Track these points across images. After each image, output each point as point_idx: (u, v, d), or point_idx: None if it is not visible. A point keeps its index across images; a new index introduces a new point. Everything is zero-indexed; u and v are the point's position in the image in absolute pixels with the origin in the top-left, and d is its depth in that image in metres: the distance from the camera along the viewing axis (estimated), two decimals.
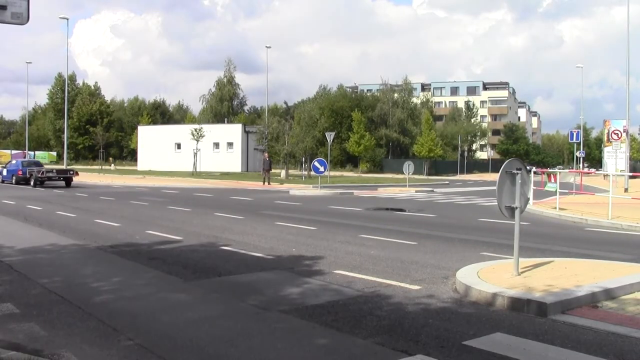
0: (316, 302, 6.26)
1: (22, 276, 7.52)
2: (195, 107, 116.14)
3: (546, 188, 19.47)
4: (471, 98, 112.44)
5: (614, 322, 5.45)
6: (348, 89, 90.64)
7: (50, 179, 30.15)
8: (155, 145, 64.97)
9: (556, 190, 17.69)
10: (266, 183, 33.79)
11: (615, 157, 30.99)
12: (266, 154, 38.68)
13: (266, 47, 58.37)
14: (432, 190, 31.63)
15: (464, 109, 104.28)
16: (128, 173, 50.91)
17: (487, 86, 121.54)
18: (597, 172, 49.21)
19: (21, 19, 4.89)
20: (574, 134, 40.25)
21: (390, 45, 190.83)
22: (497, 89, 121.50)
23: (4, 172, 32.92)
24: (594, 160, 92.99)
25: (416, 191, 29.96)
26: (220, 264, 8.53)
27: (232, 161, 61.26)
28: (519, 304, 5.94)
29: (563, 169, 39.75)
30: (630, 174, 32.22)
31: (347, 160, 71.29)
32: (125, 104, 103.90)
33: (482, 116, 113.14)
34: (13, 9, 4.84)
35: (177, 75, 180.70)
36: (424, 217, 16.55)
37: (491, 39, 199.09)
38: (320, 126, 57.81)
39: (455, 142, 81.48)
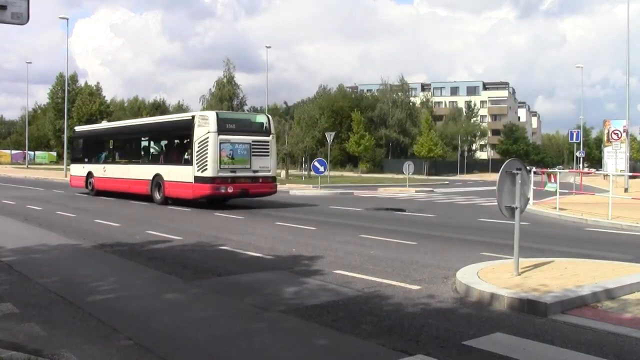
0: (316, 302, 6.26)
1: (22, 276, 7.52)
2: (195, 107, 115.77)
3: (546, 188, 19.46)
4: (471, 98, 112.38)
5: (614, 322, 5.45)
6: (348, 89, 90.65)
7: None
8: None
9: (556, 190, 17.69)
10: None
11: (615, 157, 31.00)
12: None
13: (266, 47, 58.37)
14: (432, 190, 31.65)
15: (464, 109, 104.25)
16: None
17: (487, 86, 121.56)
18: (597, 172, 49.18)
19: (21, 19, 4.89)
20: (574, 134, 40.26)
21: (392, 45, 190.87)
22: (497, 89, 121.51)
23: None
24: (594, 160, 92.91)
25: (416, 191, 29.96)
26: (220, 264, 8.53)
27: None
28: (519, 304, 5.94)
29: (563, 169, 39.66)
30: (630, 174, 32.23)
31: (347, 160, 71.34)
32: (125, 104, 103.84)
33: (482, 116, 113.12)
34: (13, 9, 4.84)
35: (177, 75, 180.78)
36: (424, 217, 16.55)
37: (493, 37, 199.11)
38: (320, 126, 57.83)
39: (455, 142, 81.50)
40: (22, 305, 6.00)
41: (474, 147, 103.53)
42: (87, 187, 23.82)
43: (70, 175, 26.20)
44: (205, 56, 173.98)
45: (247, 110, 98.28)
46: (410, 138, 77.32)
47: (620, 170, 30.39)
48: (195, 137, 17.44)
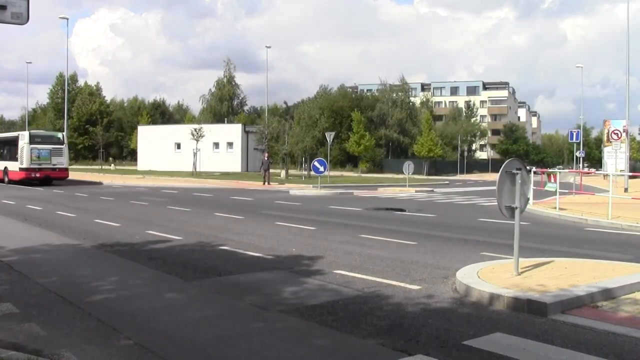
0: (316, 302, 6.26)
1: (22, 276, 7.52)
2: (195, 107, 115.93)
3: (546, 188, 19.46)
4: (471, 98, 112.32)
5: (614, 322, 5.45)
6: (348, 89, 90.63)
7: None
8: (155, 145, 64.86)
9: (556, 190, 17.69)
10: (266, 183, 33.81)
11: (615, 157, 30.98)
12: (266, 154, 38.74)
13: (266, 46, 58.45)
14: (432, 190, 31.63)
15: (464, 109, 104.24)
16: (128, 173, 50.86)
17: (487, 86, 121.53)
18: (597, 172, 49.16)
19: (21, 19, 4.89)
20: (574, 134, 40.23)
21: (392, 44, 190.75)
22: (497, 88, 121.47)
23: None
24: (594, 160, 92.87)
25: (416, 191, 29.96)
26: (220, 264, 8.53)
27: (232, 161, 61.16)
28: (518, 304, 5.95)
29: (563, 169, 39.62)
30: (630, 174, 32.23)
31: (347, 160, 71.21)
32: (125, 104, 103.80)
33: (482, 116, 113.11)
34: (13, 9, 4.83)
35: (177, 75, 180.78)
36: (424, 217, 16.55)
37: (493, 37, 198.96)
38: (320, 126, 57.79)
39: (455, 142, 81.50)
40: (22, 305, 6.00)
41: (473, 147, 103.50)
42: None
43: None
44: (205, 56, 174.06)
45: (247, 111, 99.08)
46: (410, 138, 77.21)
47: (620, 170, 30.38)
48: (19, 146, 30.95)
